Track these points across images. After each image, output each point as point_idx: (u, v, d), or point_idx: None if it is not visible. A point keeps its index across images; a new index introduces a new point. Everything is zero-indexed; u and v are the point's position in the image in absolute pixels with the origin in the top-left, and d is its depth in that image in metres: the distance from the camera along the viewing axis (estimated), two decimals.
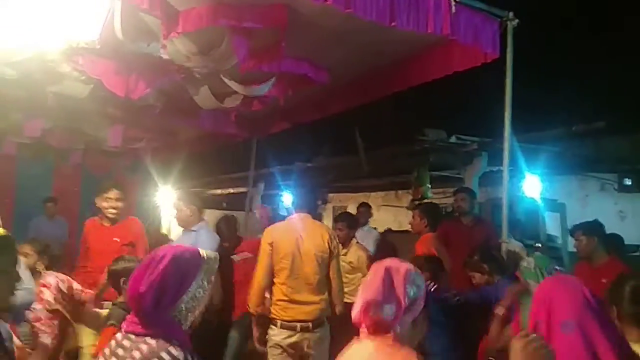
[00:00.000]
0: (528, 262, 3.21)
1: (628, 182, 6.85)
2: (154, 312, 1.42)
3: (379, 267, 1.61)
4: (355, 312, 1.57)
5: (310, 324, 3.12)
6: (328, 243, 3.22)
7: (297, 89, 3.91)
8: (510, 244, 3.45)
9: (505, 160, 3.24)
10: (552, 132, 5.23)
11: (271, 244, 3.17)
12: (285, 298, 3.13)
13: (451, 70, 3.37)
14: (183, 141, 6.27)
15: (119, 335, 1.48)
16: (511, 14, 3.10)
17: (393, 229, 7.52)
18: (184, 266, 1.47)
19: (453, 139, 5.29)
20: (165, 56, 3.16)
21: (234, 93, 3.99)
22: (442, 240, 4.09)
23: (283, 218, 5.65)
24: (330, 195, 12.24)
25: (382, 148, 6.33)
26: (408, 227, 5.42)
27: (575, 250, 3.80)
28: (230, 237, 4.32)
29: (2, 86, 3.78)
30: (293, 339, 3.12)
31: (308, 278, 3.15)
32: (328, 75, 3.70)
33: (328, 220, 12.71)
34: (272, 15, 2.81)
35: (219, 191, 10.95)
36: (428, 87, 3.71)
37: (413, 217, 4.42)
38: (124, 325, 1.49)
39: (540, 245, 5.50)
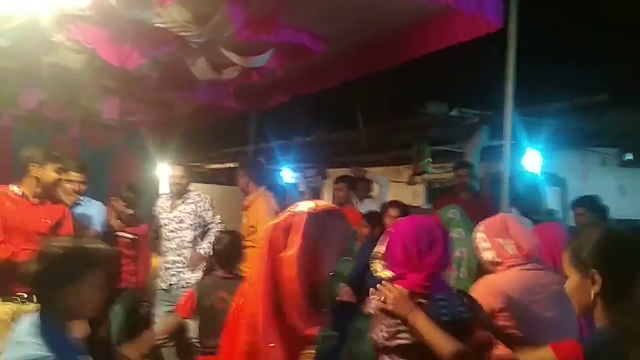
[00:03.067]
0: (453, 213, 3.25)
1: (629, 156, 6.81)
2: None
3: None
4: None
5: None
6: None
7: (295, 60, 3.84)
8: None
9: (507, 134, 3.20)
10: (554, 105, 5.17)
11: None
12: None
13: (453, 41, 3.30)
14: (181, 114, 6.21)
15: None
16: None
17: None
18: None
19: (454, 113, 5.23)
20: (160, 25, 3.09)
21: (232, 64, 3.92)
22: None
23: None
24: (330, 170, 12.22)
25: (382, 122, 6.27)
26: (408, 202, 5.41)
27: (574, 224, 3.81)
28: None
29: None
30: None
31: None
32: (325, 44, 3.63)
33: (329, 195, 12.75)
34: None
35: (218, 166, 10.92)
36: (429, 58, 3.64)
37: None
38: None
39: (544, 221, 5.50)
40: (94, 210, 4.18)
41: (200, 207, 4.52)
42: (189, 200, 4.55)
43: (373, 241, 4.23)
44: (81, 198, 4.03)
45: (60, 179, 3.43)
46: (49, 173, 3.27)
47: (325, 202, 1.92)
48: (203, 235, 4.56)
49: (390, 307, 1.90)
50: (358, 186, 5.78)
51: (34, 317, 1.77)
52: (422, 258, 1.97)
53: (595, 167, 7.37)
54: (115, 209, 4.44)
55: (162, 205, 4.65)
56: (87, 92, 4.79)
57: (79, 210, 3.97)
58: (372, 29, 3.59)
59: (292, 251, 1.67)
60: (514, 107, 3.19)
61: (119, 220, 4.44)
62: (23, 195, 3.26)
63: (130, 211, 4.42)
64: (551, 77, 5.22)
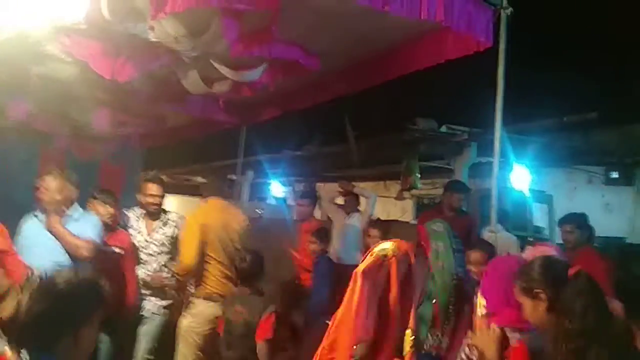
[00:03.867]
0: (438, 226, 3.33)
1: (615, 175, 6.90)
2: None
3: None
4: None
5: None
6: None
7: (287, 75, 3.86)
8: (500, 234, 3.47)
9: (496, 151, 3.23)
10: (541, 122, 5.24)
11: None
12: None
13: (443, 58, 3.34)
14: (171, 127, 6.20)
15: None
16: (505, 2, 3.08)
17: (382, 218, 7.51)
18: None
19: (444, 129, 5.27)
20: (153, 38, 3.09)
21: (224, 78, 3.93)
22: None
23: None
24: (319, 185, 12.23)
25: (372, 137, 6.30)
26: (396, 217, 5.41)
27: (562, 241, 3.84)
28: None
29: None
30: None
31: None
32: (319, 61, 3.65)
33: (316, 210, 12.74)
34: None
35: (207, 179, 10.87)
36: (420, 75, 3.68)
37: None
38: None
39: (532, 239, 5.55)
40: (89, 223, 3.64)
41: (177, 232, 4.13)
42: (170, 223, 4.18)
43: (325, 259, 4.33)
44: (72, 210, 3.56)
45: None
46: None
47: (400, 241, 1.92)
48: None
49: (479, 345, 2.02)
50: (346, 200, 5.80)
51: None
52: None
53: (581, 185, 7.47)
54: (97, 214, 3.83)
55: (135, 225, 4.16)
56: (77, 104, 4.75)
57: (73, 223, 3.50)
58: (364, 45, 3.62)
59: (392, 294, 1.72)
60: (502, 125, 3.22)
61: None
62: None
63: (111, 210, 3.87)
64: (539, 94, 5.30)
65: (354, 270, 1.79)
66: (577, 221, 3.80)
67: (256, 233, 6.03)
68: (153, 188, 4.13)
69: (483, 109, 3.89)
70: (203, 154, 8.65)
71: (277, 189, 9.93)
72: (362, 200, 5.68)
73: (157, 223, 4.16)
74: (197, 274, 3.85)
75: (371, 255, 1.81)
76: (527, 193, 5.63)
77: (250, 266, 3.60)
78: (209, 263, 3.84)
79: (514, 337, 2.00)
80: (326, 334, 1.85)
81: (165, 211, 4.26)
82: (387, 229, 4.69)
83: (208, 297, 3.82)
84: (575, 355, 1.64)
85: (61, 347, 1.55)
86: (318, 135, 7.39)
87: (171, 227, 4.17)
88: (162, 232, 4.15)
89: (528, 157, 5.58)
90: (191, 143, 7.53)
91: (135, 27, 2.94)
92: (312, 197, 5.05)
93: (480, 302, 2.18)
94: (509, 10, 3.10)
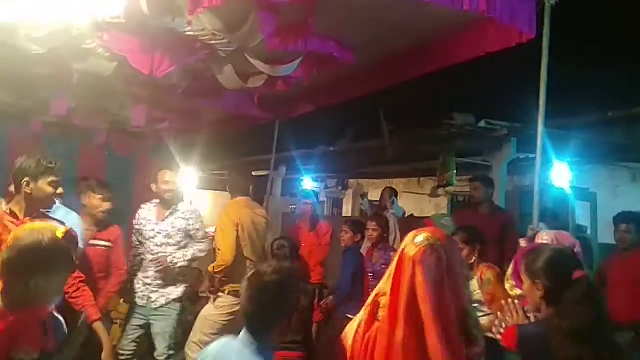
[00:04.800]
0: (447, 221, 3.43)
1: None
2: None
3: None
4: None
5: None
6: None
7: (322, 69, 3.83)
8: (543, 232, 3.35)
9: (539, 148, 3.11)
10: (584, 117, 5.05)
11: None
12: None
13: (485, 51, 3.25)
14: (206, 123, 6.25)
15: None
16: None
17: (416, 215, 7.41)
18: None
19: (482, 124, 5.13)
20: (190, 33, 3.11)
21: (259, 73, 3.93)
22: None
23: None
24: (351, 181, 12.17)
25: (408, 132, 6.20)
26: (429, 214, 5.33)
27: (616, 240, 3.74)
28: None
29: (28, 63, 3.77)
30: None
31: None
32: (354, 55, 3.61)
33: (347, 206, 12.69)
34: None
35: None
36: (457, 68, 3.59)
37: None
38: None
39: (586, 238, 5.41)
40: (71, 222, 3.29)
41: (190, 224, 4.08)
42: (179, 214, 4.08)
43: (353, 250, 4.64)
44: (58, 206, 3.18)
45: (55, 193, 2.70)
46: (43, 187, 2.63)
47: (436, 230, 1.95)
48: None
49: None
50: (383, 197, 5.80)
51: None
52: None
53: (625, 182, 7.19)
54: (89, 205, 3.81)
55: (146, 215, 4.13)
56: (116, 100, 4.84)
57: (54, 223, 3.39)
58: (401, 38, 3.55)
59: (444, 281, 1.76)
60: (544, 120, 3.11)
61: (93, 227, 3.85)
62: (11, 213, 2.61)
63: (107, 205, 3.84)
64: (582, 88, 5.12)
65: (407, 255, 1.79)
66: (635, 220, 3.66)
67: (288, 227, 6.09)
68: (167, 175, 4.08)
69: (523, 103, 3.77)
70: (236, 149, 8.71)
71: (309, 184, 9.92)
72: None
73: (167, 212, 4.07)
74: (228, 270, 3.90)
75: (414, 245, 1.80)
76: (569, 190, 5.44)
77: (290, 251, 4.04)
78: (238, 259, 3.91)
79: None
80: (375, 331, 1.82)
81: (178, 203, 4.17)
82: (419, 226, 4.68)
83: (234, 294, 3.86)
84: (570, 355, 1.74)
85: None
86: (351, 130, 7.33)
87: (180, 220, 4.07)
88: (169, 222, 4.05)
89: (569, 153, 5.39)
90: (225, 138, 7.59)
91: (173, 22, 2.96)
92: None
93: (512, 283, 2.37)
94: (554, 0, 2.98)
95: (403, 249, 1.82)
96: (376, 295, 1.87)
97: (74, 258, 1.95)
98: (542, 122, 3.06)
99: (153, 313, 4.03)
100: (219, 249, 3.90)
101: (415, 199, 9.88)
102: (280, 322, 1.85)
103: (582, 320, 1.77)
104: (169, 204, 4.08)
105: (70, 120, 5.44)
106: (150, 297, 4.02)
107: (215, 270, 3.91)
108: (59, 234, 1.86)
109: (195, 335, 3.95)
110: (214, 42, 3.29)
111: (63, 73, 4.00)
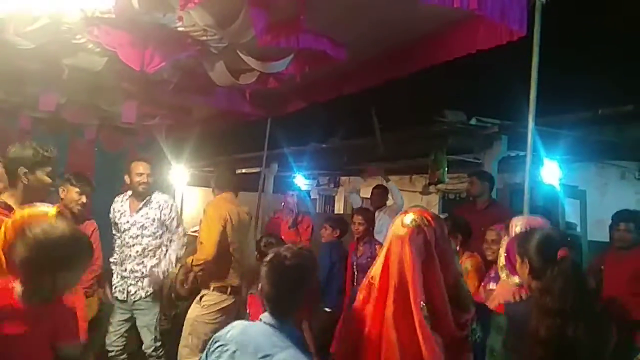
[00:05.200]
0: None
1: None
2: None
3: None
4: None
5: None
6: None
7: (314, 66, 3.82)
8: (515, 218, 3.44)
9: (529, 145, 3.13)
10: (573, 115, 5.08)
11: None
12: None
13: (475, 48, 3.25)
14: (197, 119, 6.23)
15: None
16: None
17: None
18: None
19: (473, 122, 5.15)
20: (181, 28, 3.09)
21: (250, 70, 3.92)
22: None
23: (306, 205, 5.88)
24: (343, 178, 12.17)
25: (399, 130, 6.21)
26: None
27: (615, 239, 3.77)
28: None
29: (18, 58, 3.73)
30: None
31: None
32: (346, 52, 3.60)
33: (339, 204, 12.70)
34: None
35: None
36: (448, 66, 3.59)
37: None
38: None
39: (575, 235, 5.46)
40: None
41: (164, 214, 4.06)
42: (152, 205, 4.07)
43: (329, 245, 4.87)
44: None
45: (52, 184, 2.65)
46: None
47: (422, 209, 2.08)
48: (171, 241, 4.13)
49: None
50: (374, 195, 5.79)
51: None
52: None
53: (614, 180, 7.25)
54: (67, 198, 3.72)
55: (120, 208, 4.14)
56: (106, 95, 4.81)
57: None
58: (393, 35, 3.55)
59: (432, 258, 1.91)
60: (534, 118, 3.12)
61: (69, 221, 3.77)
62: (6, 205, 2.47)
63: (84, 199, 3.75)
64: (571, 87, 5.15)
65: (395, 236, 1.93)
66: (634, 219, 3.69)
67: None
68: (140, 167, 4.05)
69: (514, 101, 3.78)
70: (227, 146, 8.68)
71: (301, 181, 9.92)
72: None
73: (140, 204, 4.06)
74: (211, 266, 3.82)
75: (403, 226, 1.94)
76: (559, 188, 5.48)
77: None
78: (224, 255, 3.84)
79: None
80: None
81: (151, 192, 4.11)
82: None
83: (219, 290, 3.83)
84: (553, 330, 1.83)
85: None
86: (343, 128, 7.33)
87: (154, 209, 4.06)
88: (142, 213, 4.04)
89: (559, 151, 5.43)
90: (216, 135, 7.57)
91: (164, 17, 2.94)
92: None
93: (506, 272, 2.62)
94: None
95: (393, 231, 1.96)
96: (371, 278, 1.99)
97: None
98: (532, 120, 3.08)
99: (135, 307, 4.03)
100: (201, 242, 3.82)
101: (407, 196, 9.87)
102: (301, 304, 1.90)
103: (560, 295, 1.86)
104: (142, 195, 4.06)
105: (60, 116, 5.40)
106: (129, 291, 4.02)
107: (194, 264, 3.79)
108: (53, 213, 1.90)
109: (187, 340, 3.82)
110: (205, 37, 3.28)
111: (53, 68, 3.96)
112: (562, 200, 5.67)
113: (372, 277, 1.98)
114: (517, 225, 2.78)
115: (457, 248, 3.69)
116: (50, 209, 1.93)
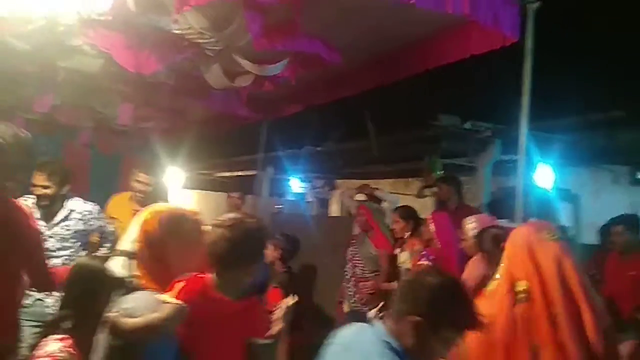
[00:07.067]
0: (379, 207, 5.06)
1: None
2: None
3: None
4: None
5: None
6: None
7: (309, 69, 3.84)
8: (468, 218, 3.59)
9: (522, 149, 3.17)
10: (567, 120, 5.13)
11: None
12: None
13: (468, 53, 3.28)
14: (192, 122, 6.23)
15: None
16: None
17: None
18: None
19: (468, 125, 5.19)
20: (177, 31, 3.11)
21: (246, 73, 3.93)
22: None
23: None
24: (338, 181, 12.18)
25: (394, 133, 6.24)
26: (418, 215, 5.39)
27: (611, 242, 3.80)
28: None
29: (13, 59, 3.73)
30: None
31: None
32: (341, 54, 3.63)
33: (337, 207, 12.69)
34: None
35: (227, 174, 10.93)
36: (443, 70, 3.63)
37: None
38: None
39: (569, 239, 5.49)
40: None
41: (91, 223, 3.79)
42: (73, 215, 3.68)
43: None
44: None
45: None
46: None
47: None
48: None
49: None
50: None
51: None
52: None
53: (606, 184, 7.29)
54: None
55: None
56: (101, 97, 4.81)
57: None
58: (387, 40, 3.58)
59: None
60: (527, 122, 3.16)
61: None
62: None
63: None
64: (565, 91, 5.19)
65: (541, 250, 2.30)
66: (629, 222, 3.72)
67: (276, 227, 6.11)
68: (38, 178, 3.53)
69: (507, 105, 3.81)
70: (223, 149, 8.68)
71: (296, 185, 9.94)
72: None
73: (55, 214, 3.62)
74: None
75: (546, 241, 2.35)
76: (552, 191, 5.53)
77: (293, 247, 4.78)
78: None
79: None
80: None
81: (62, 198, 3.66)
82: None
83: None
84: None
85: None
86: (338, 131, 7.36)
87: (73, 220, 3.68)
88: (62, 225, 3.64)
89: (552, 155, 5.47)
90: (212, 138, 7.57)
91: (160, 20, 2.96)
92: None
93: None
94: (536, 4, 3.03)
95: (529, 244, 2.30)
96: (510, 281, 2.28)
97: None
98: (525, 124, 3.11)
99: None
100: None
101: (402, 199, 9.90)
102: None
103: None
104: (47, 207, 3.59)
105: (54, 118, 5.39)
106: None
107: None
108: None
109: None
110: (200, 40, 3.29)
111: (48, 70, 3.96)
112: (555, 204, 5.72)
113: (510, 280, 2.28)
114: (471, 222, 3.36)
115: (407, 233, 4.51)
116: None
